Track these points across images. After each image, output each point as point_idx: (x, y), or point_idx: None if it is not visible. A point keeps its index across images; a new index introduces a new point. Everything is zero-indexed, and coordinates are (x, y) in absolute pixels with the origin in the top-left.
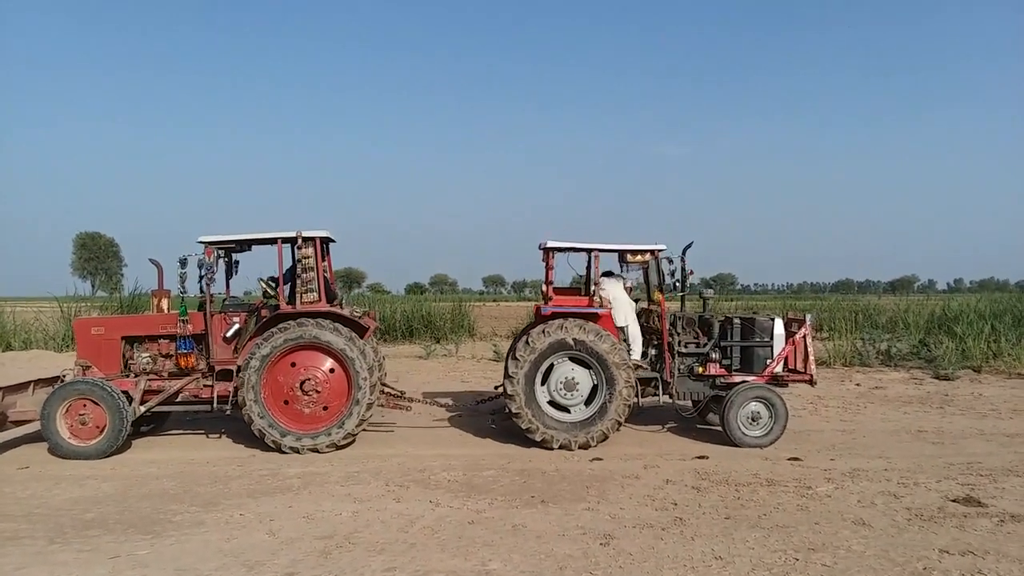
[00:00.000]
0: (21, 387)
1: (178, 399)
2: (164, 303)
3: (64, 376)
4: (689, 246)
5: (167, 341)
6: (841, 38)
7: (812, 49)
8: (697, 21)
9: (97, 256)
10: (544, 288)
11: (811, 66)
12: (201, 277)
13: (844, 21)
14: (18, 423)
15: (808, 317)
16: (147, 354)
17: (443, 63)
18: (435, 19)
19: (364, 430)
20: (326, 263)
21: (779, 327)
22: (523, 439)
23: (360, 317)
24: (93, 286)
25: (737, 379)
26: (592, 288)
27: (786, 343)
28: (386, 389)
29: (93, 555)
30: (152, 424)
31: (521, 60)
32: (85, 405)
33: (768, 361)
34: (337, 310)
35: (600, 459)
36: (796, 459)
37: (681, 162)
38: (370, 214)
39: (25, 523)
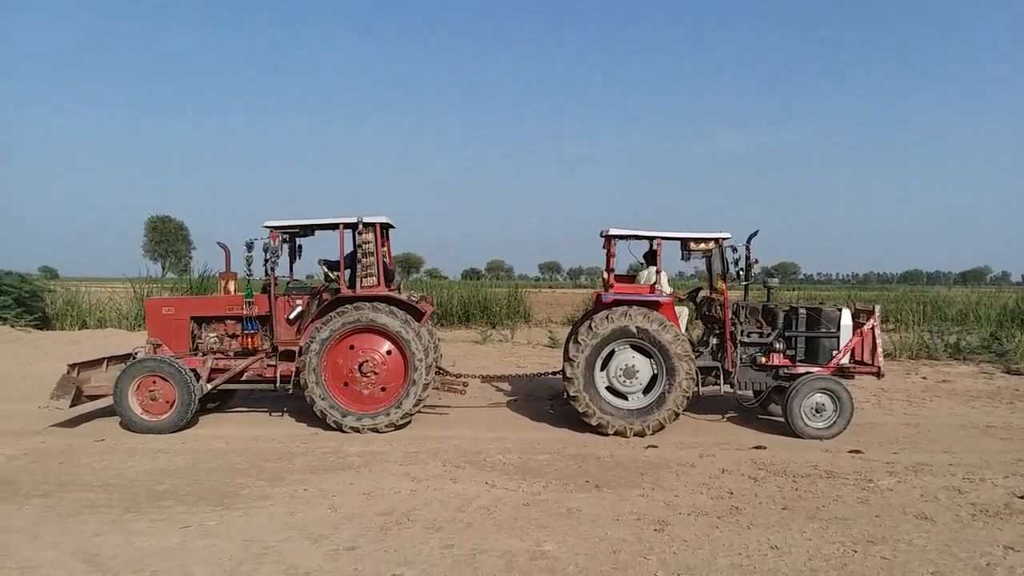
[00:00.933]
0: (95, 363)
1: (243, 378)
2: (231, 285)
3: (136, 353)
4: (754, 234)
5: (233, 322)
6: (912, 31)
7: (883, 40)
8: (767, 17)
9: (167, 239)
10: (605, 275)
11: (883, 57)
12: (266, 260)
13: (920, 16)
14: (93, 397)
15: (876, 308)
16: (214, 334)
17: (503, 59)
18: (506, 19)
19: (421, 412)
20: (385, 248)
21: (847, 317)
22: (577, 424)
23: (417, 301)
24: (163, 268)
25: (801, 370)
26: (655, 276)
27: (853, 334)
28: (442, 372)
29: (166, 524)
30: (218, 402)
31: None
32: (155, 382)
33: (834, 352)
34: (395, 294)
35: (655, 446)
36: (857, 452)
37: (745, 152)
38: (429, 201)
39: (102, 493)
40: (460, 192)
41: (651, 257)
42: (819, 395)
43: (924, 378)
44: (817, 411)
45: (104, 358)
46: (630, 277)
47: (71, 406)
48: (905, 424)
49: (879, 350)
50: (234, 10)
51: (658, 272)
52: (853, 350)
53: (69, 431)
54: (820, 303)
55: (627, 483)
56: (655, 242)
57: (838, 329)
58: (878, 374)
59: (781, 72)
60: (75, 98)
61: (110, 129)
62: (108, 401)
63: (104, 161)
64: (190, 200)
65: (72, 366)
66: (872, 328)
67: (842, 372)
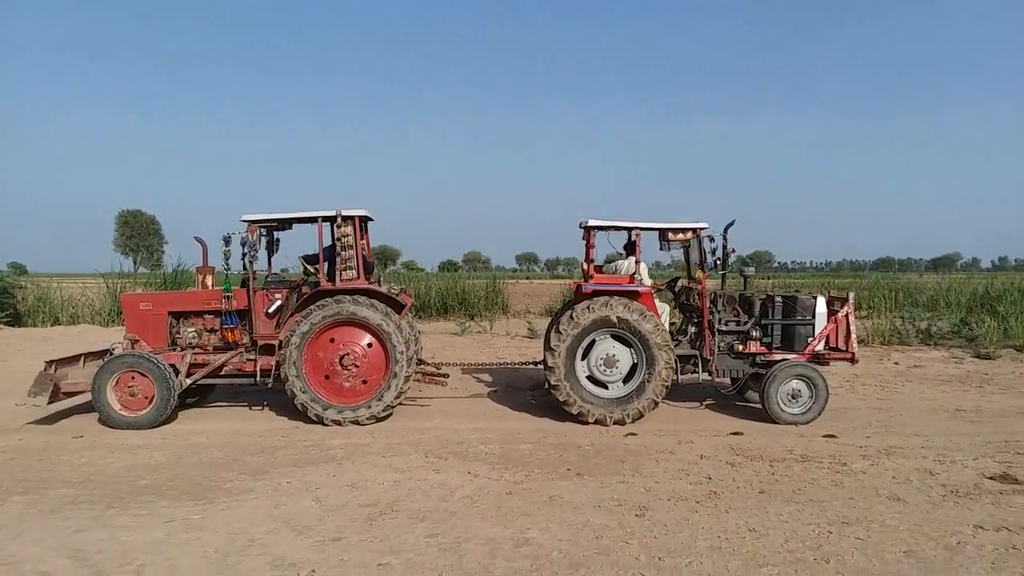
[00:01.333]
0: (72, 360)
1: (222, 372)
2: (208, 280)
3: (113, 349)
4: (731, 224)
5: (212, 316)
6: (887, 24)
7: (859, 28)
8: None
9: (139, 233)
10: (585, 266)
11: (858, 45)
12: (244, 255)
13: (892, 10)
14: (69, 394)
15: (851, 295)
16: (193, 329)
17: (481, 51)
18: (482, 12)
19: (402, 404)
20: (364, 241)
21: (821, 305)
22: (558, 414)
23: (397, 294)
24: (135, 263)
25: (778, 357)
26: (635, 266)
27: (828, 321)
28: (423, 364)
29: (149, 519)
30: (196, 396)
31: (553, 48)
32: (134, 377)
33: (810, 339)
34: (375, 287)
35: (635, 434)
36: (832, 436)
37: (718, 138)
38: (405, 193)
39: (83, 489)
40: (436, 183)
41: (630, 247)
42: (795, 381)
43: (896, 363)
44: (793, 397)
45: (81, 354)
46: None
47: (49, 403)
48: (878, 409)
49: (853, 336)
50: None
51: (637, 263)
52: (828, 337)
53: (47, 428)
54: (796, 291)
55: (608, 471)
56: (634, 232)
57: (813, 316)
58: (852, 360)
59: (756, 60)
60: (44, 90)
61: (80, 122)
62: (86, 398)
63: (72, 155)
64: (161, 195)
65: (49, 363)
66: (846, 315)
67: (817, 359)
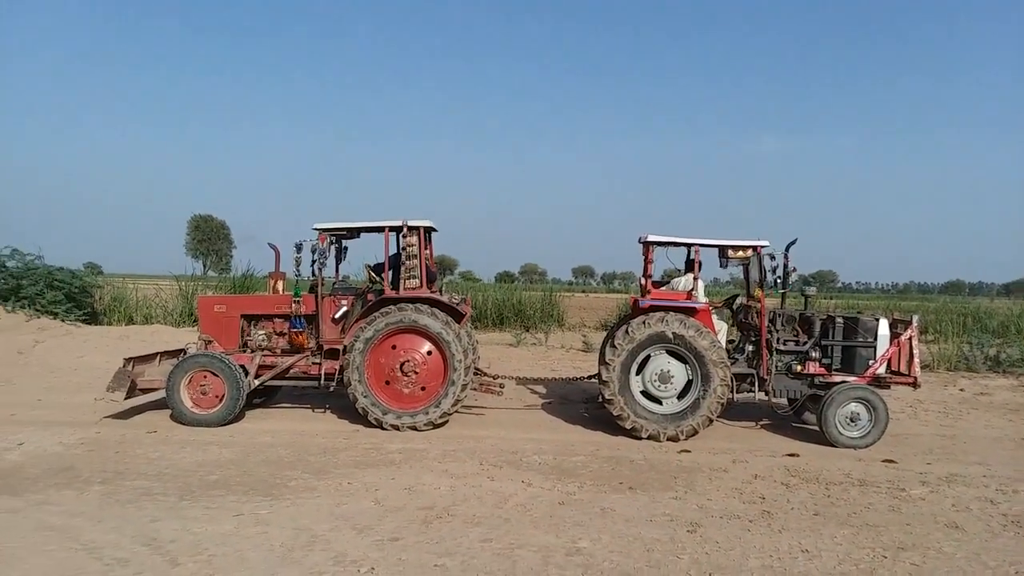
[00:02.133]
0: (149, 358)
1: (289, 374)
2: (280, 285)
3: (188, 349)
4: (793, 243)
5: (281, 320)
6: (959, 39)
7: (926, 49)
8: (810, 20)
9: (209, 238)
10: (643, 281)
11: (929, 65)
12: (314, 261)
13: (962, 23)
14: (145, 390)
15: (914, 318)
16: (263, 332)
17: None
18: (549, 26)
19: (458, 412)
20: (428, 251)
21: (884, 327)
22: (611, 428)
23: (458, 304)
24: (204, 266)
25: (837, 379)
26: (692, 283)
27: (890, 344)
28: (480, 373)
29: (219, 512)
30: (263, 397)
31: (622, 61)
32: (206, 376)
33: (871, 362)
34: (437, 296)
35: (688, 451)
36: (891, 461)
37: (782, 157)
38: (465, 204)
39: (157, 481)
40: (495, 194)
41: (690, 264)
42: (854, 404)
43: (962, 390)
44: (852, 420)
45: (157, 353)
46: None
47: (125, 398)
48: (940, 435)
49: (916, 361)
50: (264, 15)
51: (695, 279)
52: (890, 360)
53: (123, 423)
54: (858, 312)
55: (660, 486)
56: (693, 249)
57: (875, 339)
58: (914, 385)
59: (822, 76)
60: (116, 99)
61: (158, 128)
62: (160, 394)
63: (148, 159)
64: (232, 200)
65: (127, 360)
66: (909, 338)
67: (878, 382)
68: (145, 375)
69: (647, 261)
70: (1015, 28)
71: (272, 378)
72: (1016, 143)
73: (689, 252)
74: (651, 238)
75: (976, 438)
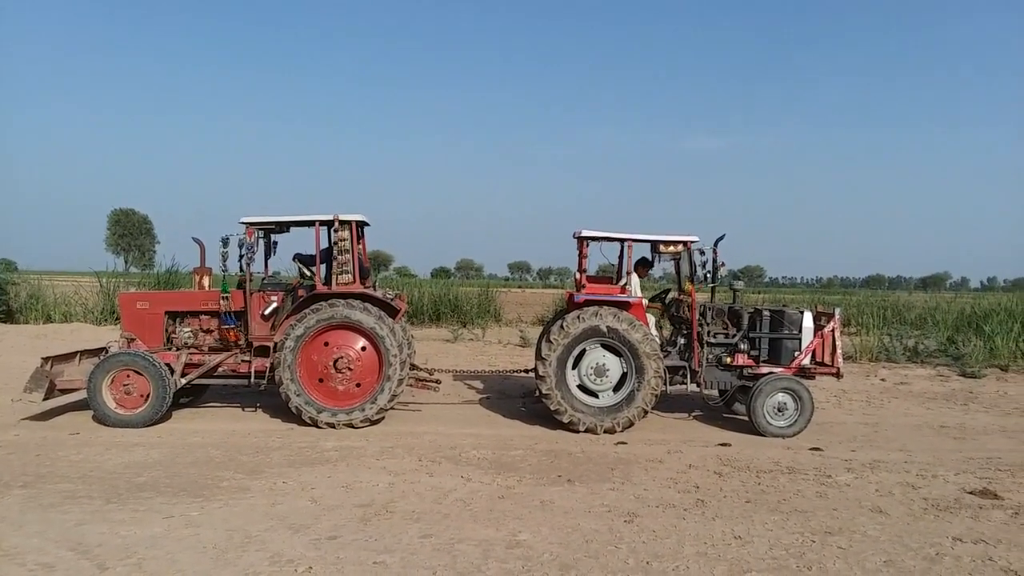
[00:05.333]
0: (68, 357)
1: (217, 373)
2: (205, 280)
3: (109, 347)
4: (721, 238)
5: (208, 317)
6: (880, 39)
7: (848, 50)
8: (738, 22)
9: (131, 232)
10: (578, 276)
11: (851, 62)
12: (241, 256)
13: (886, 23)
14: (65, 391)
15: (837, 311)
16: (189, 329)
17: (478, 60)
18: (487, 22)
19: (395, 408)
20: (361, 246)
21: (808, 320)
22: (549, 421)
23: (392, 299)
24: (126, 262)
25: (765, 370)
26: (624, 277)
27: (814, 336)
28: (416, 369)
29: (148, 515)
30: (190, 397)
31: (552, 59)
32: (129, 376)
33: (796, 353)
34: (370, 291)
35: (625, 443)
36: (817, 449)
37: (712, 156)
38: (399, 199)
39: (82, 484)
40: (430, 190)
41: (644, 263)
42: (781, 394)
43: (883, 380)
44: (779, 410)
45: (77, 352)
46: (605, 278)
47: (44, 399)
48: (864, 423)
49: (839, 352)
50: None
51: (628, 273)
52: (814, 351)
53: (43, 424)
54: (784, 306)
55: (598, 477)
56: (626, 244)
57: (800, 331)
58: (837, 375)
59: (750, 76)
60: (37, 84)
61: (74, 118)
62: (81, 395)
63: (65, 151)
64: (154, 195)
65: (45, 359)
66: (832, 330)
67: (803, 373)
68: (64, 375)
69: (581, 256)
70: (935, 31)
71: (200, 377)
72: (932, 145)
73: (622, 247)
74: (585, 233)
75: (897, 426)
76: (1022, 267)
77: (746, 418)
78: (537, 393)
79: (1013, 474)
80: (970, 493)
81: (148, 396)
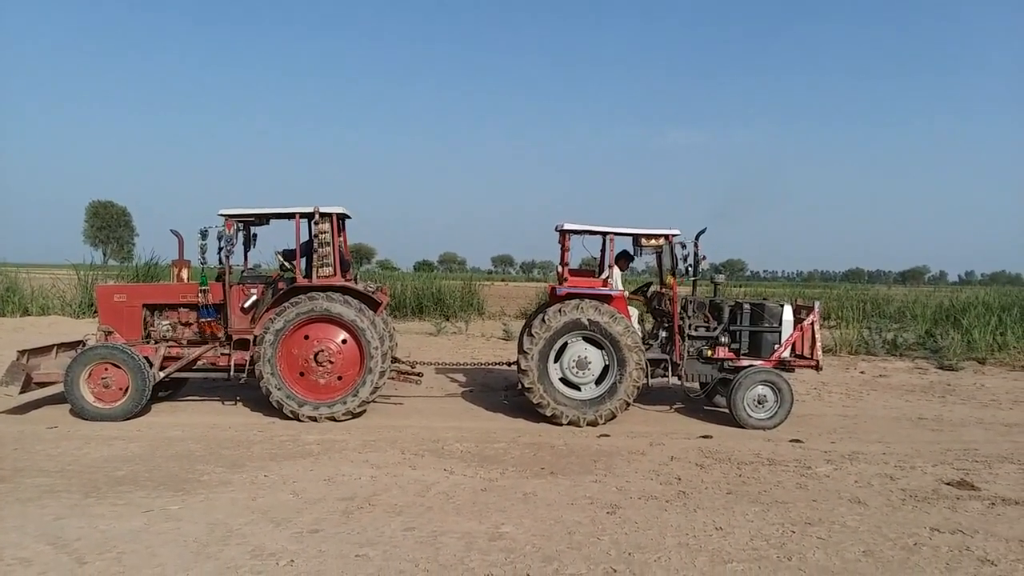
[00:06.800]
0: (45, 350)
1: (196, 366)
2: (184, 273)
3: (87, 340)
4: (702, 232)
5: (187, 310)
6: (863, 35)
7: (833, 47)
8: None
9: (109, 225)
10: (560, 269)
11: (833, 56)
12: (220, 249)
13: (872, 19)
14: (42, 384)
15: (817, 305)
16: (167, 322)
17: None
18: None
19: (377, 402)
20: (342, 238)
21: (788, 313)
22: (532, 414)
23: (373, 292)
24: (105, 255)
25: (745, 363)
26: (606, 271)
27: (794, 329)
28: (397, 362)
29: (127, 509)
30: (169, 391)
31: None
32: (107, 369)
33: (776, 346)
34: (351, 284)
35: (607, 435)
36: (798, 441)
37: (696, 150)
38: (381, 192)
39: (60, 478)
40: (413, 183)
41: (626, 257)
42: (761, 387)
43: (862, 372)
44: (759, 402)
45: (54, 345)
46: (588, 271)
47: (20, 393)
48: (843, 416)
49: (818, 345)
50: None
51: (610, 267)
52: (794, 344)
53: (20, 418)
54: (764, 299)
55: (581, 470)
56: (607, 237)
57: (780, 324)
58: (817, 368)
59: (733, 70)
60: (17, 80)
61: (51, 112)
62: (58, 388)
63: (43, 144)
64: (134, 187)
65: (21, 352)
66: (812, 324)
67: (783, 365)
68: (41, 368)
69: (564, 249)
70: (901, 28)
71: (179, 370)
72: (910, 142)
73: (604, 240)
74: (567, 227)
75: (876, 418)
76: (999, 261)
77: (727, 411)
78: (520, 386)
79: (990, 465)
80: (948, 484)
81: (127, 389)
